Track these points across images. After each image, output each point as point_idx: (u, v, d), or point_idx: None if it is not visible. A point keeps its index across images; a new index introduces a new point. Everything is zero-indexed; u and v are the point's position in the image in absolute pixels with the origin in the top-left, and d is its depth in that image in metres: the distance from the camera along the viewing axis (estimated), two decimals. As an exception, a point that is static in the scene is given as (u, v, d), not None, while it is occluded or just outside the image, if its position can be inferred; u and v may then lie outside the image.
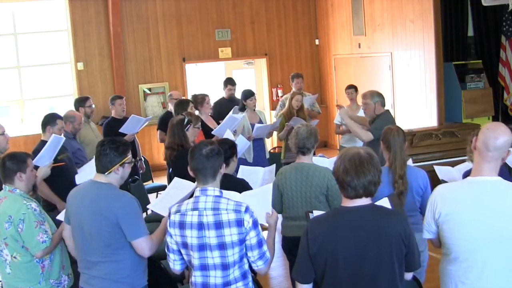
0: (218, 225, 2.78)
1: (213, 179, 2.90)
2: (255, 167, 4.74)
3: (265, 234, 3.01)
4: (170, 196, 3.62)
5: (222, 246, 2.79)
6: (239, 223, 2.78)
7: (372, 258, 2.47)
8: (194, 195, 2.92)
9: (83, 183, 3.40)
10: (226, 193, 3.40)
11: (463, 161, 4.64)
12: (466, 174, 3.94)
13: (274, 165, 4.67)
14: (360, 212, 2.53)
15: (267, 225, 3.20)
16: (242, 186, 3.76)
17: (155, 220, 5.45)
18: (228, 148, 4.01)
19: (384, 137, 4.07)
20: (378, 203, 3.06)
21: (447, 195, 2.78)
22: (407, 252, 2.53)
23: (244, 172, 4.46)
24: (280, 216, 3.76)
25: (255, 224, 2.82)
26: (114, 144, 3.21)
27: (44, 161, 4.57)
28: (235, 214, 2.78)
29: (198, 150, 2.90)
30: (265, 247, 2.87)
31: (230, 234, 2.77)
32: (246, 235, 2.79)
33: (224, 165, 3.01)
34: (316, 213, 3.25)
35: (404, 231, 2.52)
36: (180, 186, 3.78)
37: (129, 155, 3.26)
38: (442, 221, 2.75)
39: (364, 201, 2.55)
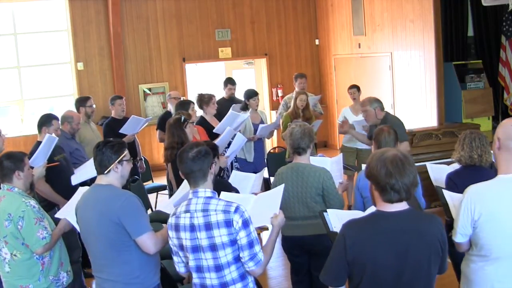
0: (208, 226, 2.77)
1: (204, 180, 2.89)
2: (247, 173, 4.74)
3: (265, 234, 2.99)
4: (180, 196, 3.61)
5: (213, 248, 2.77)
6: (228, 223, 2.75)
7: (411, 263, 2.45)
8: (188, 197, 2.92)
9: (87, 190, 3.41)
10: (238, 196, 3.40)
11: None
12: (450, 176, 3.97)
13: (264, 169, 4.64)
14: (399, 217, 2.48)
15: (268, 225, 3.18)
16: (222, 186, 3.75)
17: (156, 220, 5.45)
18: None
19: (375, 137, 4.10)
20: None
21: (486, 195, 2.75)
22: (442, 255, 2.53)
23: (236, 178, 4.46)
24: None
25: (245, 224, 2.77)
26: (109, 143, 3.26)
27: (39, 162, 4.57)
28: (224, 214, 2.76)
29: (185, 153, 2.89)
30: (257, 248, 2.81)
31: (220, 235, 2.75)
32: (236, 235, 2.76)
33: (214, 164, 3.00)
34: (330, 211, 3.23)
35: (441, 235, 2.52)
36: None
37: (126, 152, 3.28)
38: (482, 221, 2.71)
39: (403, 205, 2.51)
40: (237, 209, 2.79)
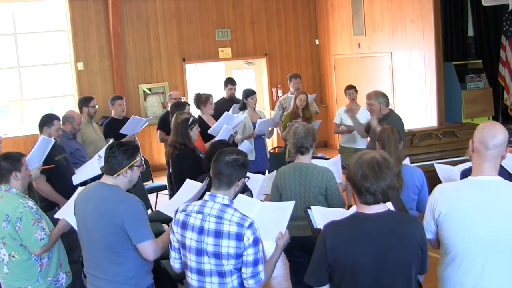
0: (218, 234, 2.73)
1: (227, 187, 2.83)
2: (255, 174, 4.73)
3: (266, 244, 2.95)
4: (182, 198, 3.59)
5: (218, 256, 2.74)
6: (239, 237, 2.70)
7: (392, 265, 2.46)
8: (203, 198, 2.87)
9: (90, 184, 3.39)
10: (247, 199, 3.38)
11: (463, 161, 4.64)
12: (464, 172, 3.97)
13: (274, 172, 4.65)
14: (379, 219, 2.50)
15: (268, 242, 3.10)
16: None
17: (156, 220, 5.45)
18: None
19: (379, 137, 4.11)
20: None
21: (447, 194, 2.76)
22: (422, 256, 2.54)
23: None
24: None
25: (255, 241, 2.71)
26: (123, 146, 3.22)
27: (33, 163, 4.50)
28: (237, 227, 2.71)
29: (224, 155, 2.84)
30: (260, 267, 2.76)
31: (228, 246, 2.71)
32: (244, 250, 2.72)
33: (244, 179, 2.94)
34: (314, 208, 3.23)
35: (421, 236, 2.53)
36: (192, 188, 3.75)
37: (138, 158, 3.24)
38: (441, 220, 2.73)
39: (382, 207, 2.52)
40: (251, 225, 2.73)
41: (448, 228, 2.71)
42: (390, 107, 9.87)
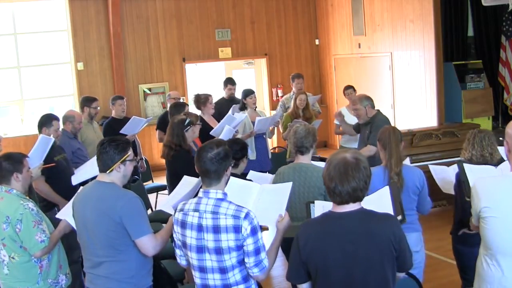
0: (216, 229, 2.75)
1: (218, 181, 2.85)
2: (264, 174, 4.72)
3: (265, 234, 2.97)
4: (179, 195, 3.60)
5: (219, 251, 2.76)
6: (237, 229, 2.72)
7: (362, 263, 2.47)
8: (197, 195, 2.90)
9: (87, 184, 3.40)
10: (244, 182, 3.38)
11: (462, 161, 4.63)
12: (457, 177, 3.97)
13: None
14: (349, 218, 2.52)
15: (267, 225, 3.16)
16: None
17: (157, 220, 5.46)
18: (239, 149, 4.06)
19: (380, 136, 4.11)
20: (379, 191, 3.10)
21: (489, 190, 2.78)
22: (398, 255, 2.53)
23: (252, 177, 4.45)
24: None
25: (253, 231, 2.74)
26: (114, 142, 3.22)
27: (33, 163, 4.44)
28: (233, 219, 2.73)
29: (205, 152, 2.84)
30: (263, 255, 2.79)
31: (227, 240, 2.73)
32: (243, 241, 2.74)
33: (231, 166, 2.97)
34: (317, 203, 3.22)
35: (394, 235, 2.50)
36: (189, 184, 3.75)
37: (130, 152, 3.26)
38: (483, 215, 2.75)
39: (353, 206, 2.53)
40: (247, 215, 2.75)
41: (489, 223, 2.74)
42: (389, 107, 9.95)
